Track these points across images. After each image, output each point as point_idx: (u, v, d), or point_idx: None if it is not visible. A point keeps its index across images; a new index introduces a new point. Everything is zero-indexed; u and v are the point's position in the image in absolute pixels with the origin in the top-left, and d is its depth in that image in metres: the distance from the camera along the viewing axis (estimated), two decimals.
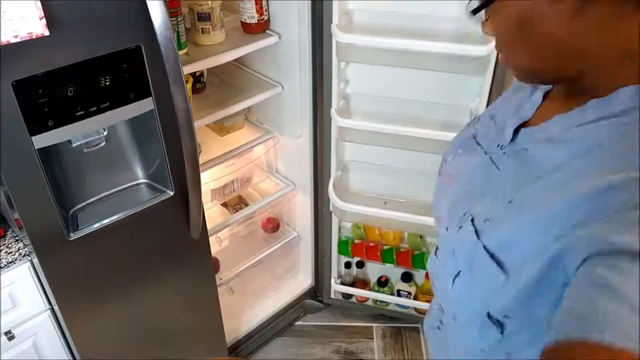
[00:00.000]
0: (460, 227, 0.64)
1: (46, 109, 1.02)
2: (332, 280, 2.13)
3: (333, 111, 1.67)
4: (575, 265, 0.48)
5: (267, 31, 1.66)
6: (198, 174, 1.27)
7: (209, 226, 1.50)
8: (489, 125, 0.72)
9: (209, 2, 1.50)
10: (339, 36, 1.49)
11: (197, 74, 1.69)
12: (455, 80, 1.59)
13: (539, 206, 0.54)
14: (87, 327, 1.35)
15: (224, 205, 2.04)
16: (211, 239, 1.57)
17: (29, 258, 1.24)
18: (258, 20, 1.61)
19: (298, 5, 1.57)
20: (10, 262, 1.22)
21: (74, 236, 1.19)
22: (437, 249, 0.76)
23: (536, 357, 0.49)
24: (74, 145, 1.17)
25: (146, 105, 1.16)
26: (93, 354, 1.40)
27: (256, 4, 1.57)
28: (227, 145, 1.81)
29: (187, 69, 1.44)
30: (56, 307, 1.29)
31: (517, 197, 0.58)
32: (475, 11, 0.61)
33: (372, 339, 2.12)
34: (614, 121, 0.53)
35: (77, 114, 1.07)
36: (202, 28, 1.53)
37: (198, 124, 1.53)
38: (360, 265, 2.13)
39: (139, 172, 1.34)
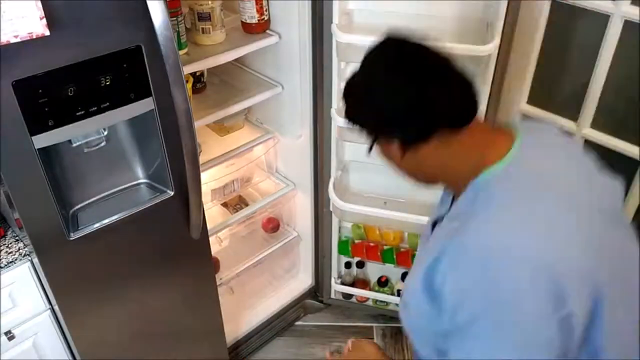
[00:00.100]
0: None
1: (46, 109, 1.02)
2: (332, 280, 2.13)
3: (333, 111, 1.67)
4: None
5: (268, 31, 1.66)
6: (198, 174, 1.27)
7: (209, 226, 1.50)
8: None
9: (209, 2, 1.50)
10: (339, 36, 1.49)
11: (198, 73, 1.69)
12: None
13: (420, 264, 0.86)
14: (87, 327, 1.35)
15: (224, 205, 2.04)
16: (211, 239, 1.57)
17: (29, 258, 1.24)
18: (258, 20, 1.61)
19: (298, 5, 1.57)
20: (11, 262, 1.22)
21: (74, 236, 1.19)
22: None
23: None
24: (74, 145, 1.17)
25: (146, 105, 1.16)
26: (93, 354, 1.40)
27: (256, 4, 1.57)
28: (227, 145, 1.81)
29: (187, 69, 1.44)
30: (56, 307, 1.29)
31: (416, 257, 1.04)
32: (369, 151, 0.91)
33: (372, 339, 2.12)
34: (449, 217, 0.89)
35: (77, 113, 1.07)
36: (203, 28, 1.53)
37: (198, 123, 1.53)
38: (360, 265, 2.13)
39: (139, 172, 1.34)
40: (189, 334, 1.63)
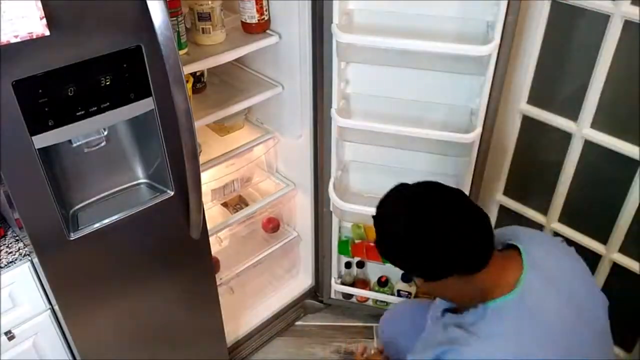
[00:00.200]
0: None
1: (46, 109, 1.02)
2: (333, 280, 2.13)
3: (333, 111, 1.67)
4: None
5: (268, 31, 1.66)
6: (198, 174, 1.27)
7: (209, 226, 1.50)
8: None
9: (210, 2, 1.50)
10: (339, 36, 1.49)
11: (198, 73, 1.69)
12: (455, 80, 1.59)
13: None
14: (87, 327, 1.35)
15: (224, 205, 2.05)
16: (211, 239, 1.57)
17: (29, 258, 1.24)
18: (258, 20, 1.61)
19: (298, 5, 1.57)
20: (11, 262, 1.22)
21: (74, 236, 1.19)
22: None
23: None
24: (74, 145, 1.17)
25: (146, 105, 1.16)
26: (93, 354, 1.40)
27: (256, 4, 1.57)
28: (227, 145, 1.81)
29: (187, 69, 1.44)
30: (56, 307, 1.29)
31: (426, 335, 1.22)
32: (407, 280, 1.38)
33: (373, 339, 2.12)
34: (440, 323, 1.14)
35: (78, 113, 1.07)
36: (203, 28, 1.54)
37: (198, 123, 1.53)
38: (360, 265, 2.13)
39: (139, 172, 1.34)
40: (189, 333, 1.63)
